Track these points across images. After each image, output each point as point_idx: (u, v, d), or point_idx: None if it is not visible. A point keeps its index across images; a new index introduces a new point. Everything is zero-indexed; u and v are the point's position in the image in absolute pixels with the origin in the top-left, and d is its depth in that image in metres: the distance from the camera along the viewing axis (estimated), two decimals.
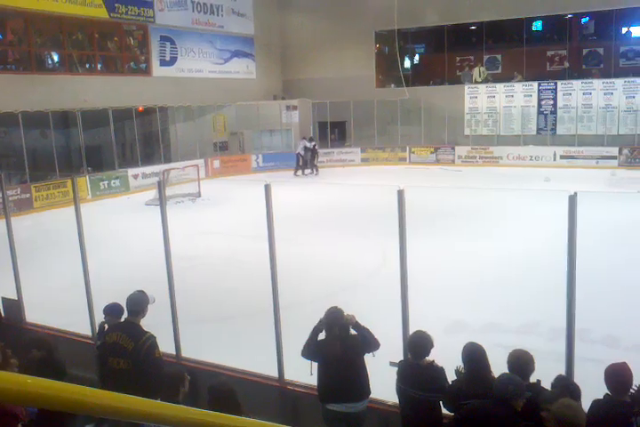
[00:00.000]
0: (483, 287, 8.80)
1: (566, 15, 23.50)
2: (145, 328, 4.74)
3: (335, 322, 4.46)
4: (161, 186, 6.44)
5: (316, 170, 22.84)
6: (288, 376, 5.06)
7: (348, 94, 24.47)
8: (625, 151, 21.74)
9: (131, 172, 19.84)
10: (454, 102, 24.30)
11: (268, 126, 24.99)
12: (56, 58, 19.61)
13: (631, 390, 3.52)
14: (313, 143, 22.91)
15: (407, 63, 27.08)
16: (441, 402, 4.05)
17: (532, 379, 3.77)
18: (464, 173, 21.82)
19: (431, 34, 26.06)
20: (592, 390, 3.63)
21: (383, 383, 4.50)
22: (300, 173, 22.67)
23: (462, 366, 3.95)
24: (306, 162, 22.76)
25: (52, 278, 9.75)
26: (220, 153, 24.11)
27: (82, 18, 19.00)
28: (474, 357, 3.91)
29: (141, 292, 4.89)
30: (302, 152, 22.68)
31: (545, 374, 3.85)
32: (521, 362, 3.71)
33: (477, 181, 19.15)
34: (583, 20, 24.08)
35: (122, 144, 21.49)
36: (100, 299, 5.77)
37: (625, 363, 3.57)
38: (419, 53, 27.67)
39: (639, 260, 9.91)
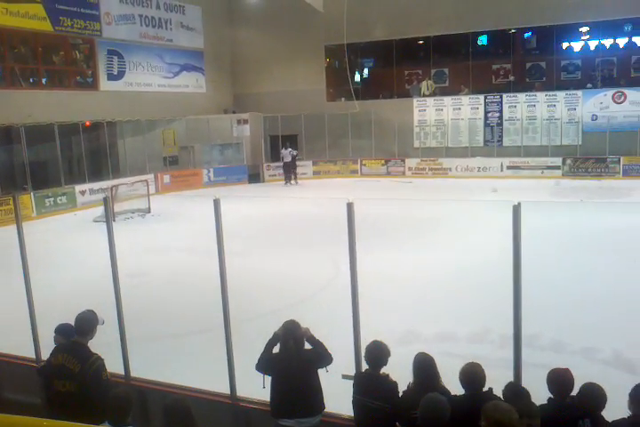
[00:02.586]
0: (434, 297, 8.90)
1: (510, 30, 24.26)
2: (93, 349, 4.61)
3: (291, 335, 4.40)
4: (107, 202, 6.30)
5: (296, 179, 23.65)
6: (240, 393, 4.97)
7: (299, 108, 24.60)
8: (568, 161, 22.46)
9: (78, 188, 19.39)
10: (403, 115, 24.69)
11: (218, 140, 24.86)
12: None
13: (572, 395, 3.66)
14: (295, 152, 23.52)
15: (357, 77, 27.37)
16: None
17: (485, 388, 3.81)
18: (414, 185, 22.12)
19: (380, 48, 26.45)
20: (541, 394, 3.70)
21: (336, 397, 4.47)
22: (293, 181, 23.46)
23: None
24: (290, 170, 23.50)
25: None
26: (171, 168, 23.81)
27: (25, 31, 18.54)
28: (422, 367, 3.94)
29: (91, 311, 4.76)
30: (288, 161, 23.33)
31: (496, 381, 3.89)
32: (471, 375, 3.76)
33: (427, 193, 19.42)
34: (526, 35, 24.88)
35: (68, 160, 20.97)
36: (45, 320, 5.59)
37: (567, 369, 3.73)
38: (368, 67, 28.02)
39: (583, 266, 10.23)
